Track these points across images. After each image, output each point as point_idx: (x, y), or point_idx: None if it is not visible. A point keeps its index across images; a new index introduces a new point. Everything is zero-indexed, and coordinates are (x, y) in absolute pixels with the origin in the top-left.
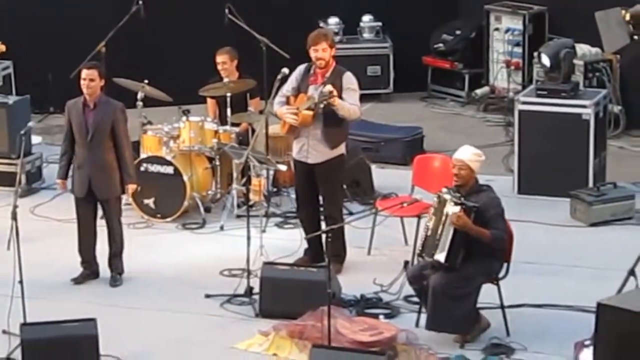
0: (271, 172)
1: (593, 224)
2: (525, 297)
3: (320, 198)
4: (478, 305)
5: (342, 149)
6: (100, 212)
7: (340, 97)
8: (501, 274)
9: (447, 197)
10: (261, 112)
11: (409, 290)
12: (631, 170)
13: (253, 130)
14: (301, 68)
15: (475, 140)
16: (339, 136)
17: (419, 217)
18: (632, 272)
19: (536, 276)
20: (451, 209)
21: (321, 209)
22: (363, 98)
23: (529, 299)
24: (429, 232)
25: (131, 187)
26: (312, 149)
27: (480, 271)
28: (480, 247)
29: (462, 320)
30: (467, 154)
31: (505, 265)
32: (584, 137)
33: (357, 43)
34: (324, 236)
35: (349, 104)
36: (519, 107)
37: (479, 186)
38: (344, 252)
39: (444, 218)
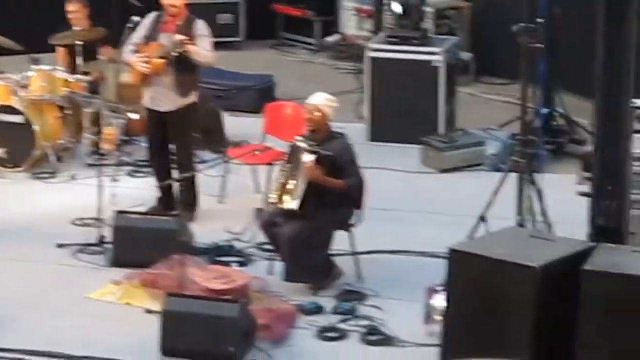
0: (123, 121)
1: (444, 171)
2: (377, 244)
3: (173, 147)
4: (331, 253)
5: (194, 97)
6: None
7: (192, 44)
8: (354, 222)
9: (302, 145)
10: (112, 61)
11: (261, 237)
12: (481, 116)
13: (104, 79)
14: (152, 16)
15: (326, 88)
16: (191, 84)
17: (271, 164)
18: (482, 218)
19: (389, 223)
20: (305, 157)
21: (173, 157)
22: (214, 47)
23: (381, 246)
24: (283, 180)
25: None
26: (164, 98)
27: (333, 219)
28: (334, 195)
29: (316, 269)
30: (320, 99)
31: (358, 212)
32: (435, 85)
33: None
34: (176, 185)
35: (203, 50)
36: (370, 54)
37: (332, 133)
38: (196, 200)
39: (297, 167)
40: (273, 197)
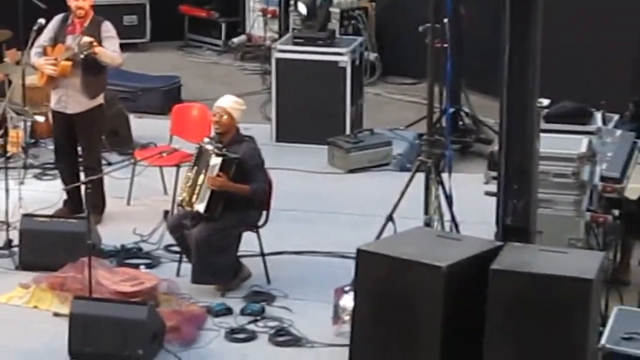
0: (29, 124)
1: (351, 171)
2: (285, 244)
3: (79, 149)
4: (239, 254)
5: (100, 99)
6: None
7: (100, 46)
8: (261, 222)
9: (209, 147)
10: (17, 63)
11: (169, 239)
12: (388, 116)
13: (10, 82)
14: (58, 18)
15: (232, 88)
16: (98, 86)
17: (178, 166)
18: (390, 218)
19: (295, 223)
20: (212, 160)
21: (80, 159)
22: (120, 48)
23: (288, 247)
24: (190, 182)
25: None
26: (71, 99)
27: (240, 220)
28: (240, 198)
29: (224, 271)
30: (227, 101)
31: (264, 213)
32: (341, 85)
33: None
34: (83, 187)
35: (111, 51)
36: (276, 55)
37: (240, 136)
38: (103, 202)
39: (204, 169)
40: (180, 199)
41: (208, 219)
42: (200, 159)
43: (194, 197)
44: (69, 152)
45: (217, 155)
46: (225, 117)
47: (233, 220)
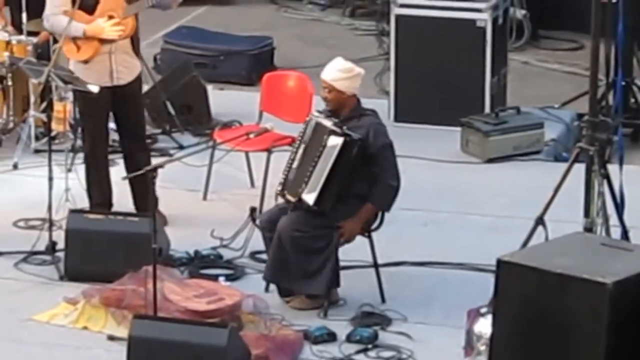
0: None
1: (490, 160)
2: (404, 253)
3: (116, 131)
4: (343, 264)
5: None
6: None
7: None
8: (374, 224)
9: (327, 123)
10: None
11: (257, 244)
12: (538, 91)
13: (56, 41)
14: None
15: (339, 53)
16: (138, 41)
17: (269, 151)
18: (540, 221)
19: (418, 227)
20: (331, 140)
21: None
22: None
23: (409, 256)
24: (296, 164)
25: None
26: (122, 66)
27: (347, 217)
28: (357, 189)
29: (313, 279)
30: (330, 72)
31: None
32: (479, 50)
33: None
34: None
35: None
36: (396, 10)
37: (360, 109)
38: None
39: (319, 150)
40: (280, 187)
41: (308, 211)
42: (311, 136)
43: (302, 184)
44: (106, 138)
45: (337, 134)
46: (331, 92)
47: (339, 216)
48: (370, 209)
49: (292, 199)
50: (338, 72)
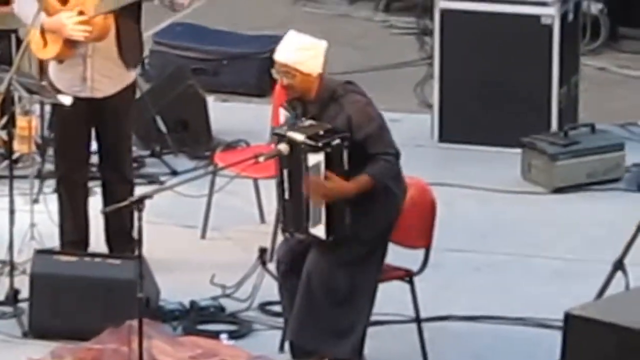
0: (48, 108)
1: (558, 190)
2: (452, 304)
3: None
4: (375, 318)
5: (136, 71)
6: None
7: None
8: (417, 267)
9: (297, 136)
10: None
11: (266, 294)
12: (619, 104)
13: (19, 42)
14: None
15: (372, 56)
16: (139, 46)
17: None
18: (619, 265)
19: (468, 271)
20: (310, 159)
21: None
22: None
23: (457, 308)
24: (287, 195)
25: None
26: (100, 75)
27: (380, 236)
28: (366, 197)
29: (340, 336)
30: (290, 52)
31: (424, 254)
32: (544, 53)
33: None
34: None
35: None
36: (441, 4)
37: (330, 88)
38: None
39: (301, 173)
40: (283, 225)
41: (336, 244)
42: (289, 156)
43: (304, 218)
44: (85, 159)
45: (314, 149)
46: (295, 77)
47: (370, 236)
48: (367, 180)
49: (302, 236)
50: (300, 50)
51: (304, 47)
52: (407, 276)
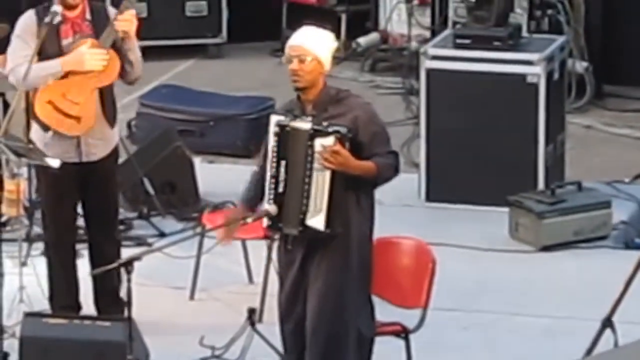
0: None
1: (545, 248)
2: None
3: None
4: None
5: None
6: None
7: None
8: (413, 324)
9: (303, 125)
10: None
11: (256, 354)
12: (605, 162)
13: (6, 104)
14: (28, 21)
15: None
16: (113, 105)
17: (270, 239)
18: (608, 323)
19: (457, 331)
20: (319, 141)
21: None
22: (182, 52)
23: None
24: (282, 188)
25: None
26: (94, 139)
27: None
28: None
29: None
30: (311, 38)
31: (421, 313)
32: (531, 112)
33: None
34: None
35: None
36: (428, 64)
37: (332, 90)
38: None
39: (308, 160)
40: (270, 216)
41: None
42: (289, 147)
43: (301, 210)
44: (73, 221)
45: (322, 134)
46: (309, 63)
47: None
48: (371, 167)
49: (292, 231)
50: (318, 38)
51: (322, 37)
52: (403, 332)
